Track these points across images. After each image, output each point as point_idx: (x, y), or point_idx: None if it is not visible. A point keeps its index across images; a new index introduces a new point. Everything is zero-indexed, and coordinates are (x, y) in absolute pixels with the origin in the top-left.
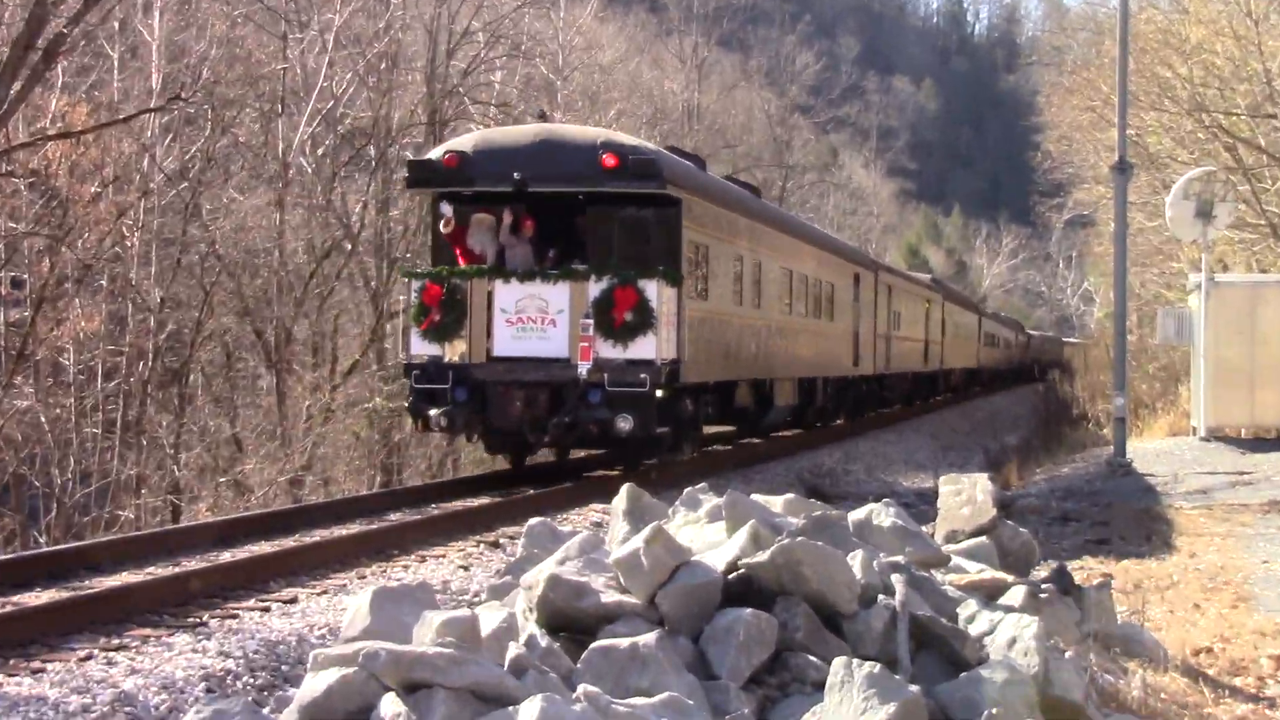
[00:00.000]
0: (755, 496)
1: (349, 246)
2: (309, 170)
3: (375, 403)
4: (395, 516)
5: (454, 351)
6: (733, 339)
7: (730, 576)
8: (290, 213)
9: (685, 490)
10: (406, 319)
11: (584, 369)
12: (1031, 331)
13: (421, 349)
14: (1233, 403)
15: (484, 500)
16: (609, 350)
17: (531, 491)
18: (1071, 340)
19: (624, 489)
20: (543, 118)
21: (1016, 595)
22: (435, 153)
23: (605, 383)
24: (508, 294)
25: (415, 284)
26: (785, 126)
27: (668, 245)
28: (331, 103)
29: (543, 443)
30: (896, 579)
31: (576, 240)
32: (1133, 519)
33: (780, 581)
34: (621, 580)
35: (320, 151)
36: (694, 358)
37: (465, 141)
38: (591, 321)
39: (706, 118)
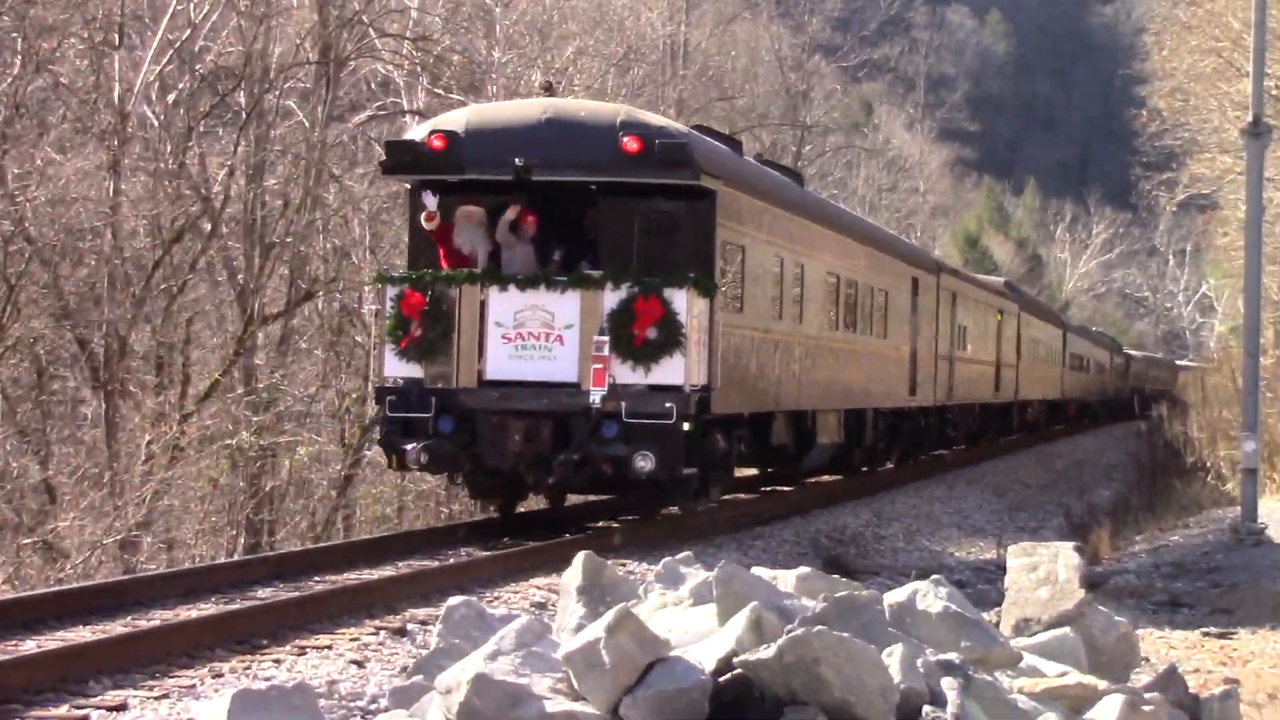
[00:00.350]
0: (757, 570)
1: (208, 227)
2: (155, 123)
3: (241, 438)
4: (265, 593)
5: (438, 373)
6: (770, 362)
7: (723, 678)
8: (129, 180)
9: (663, 561)
10: (379, 333)
11: (597, 396)
12: (1131, 352)
13: (397, 370)
14: None
15: (386, 571)
16: (627, 374)
17: (454, 560)
18: (1187, 363)
19: (579, 559)
20: (548, 90)
21: (1111, 707)
22: (418, 132)
23: (623, 413)
24: (505, 304)
25: (391, 290)
26: (802, 73)
27: (697, 246)
28: (188, 33)
29: (545, 485)
30: (949, 684)
31: (585, 239)
32: (1267, 604)
33: (790, 686)
34: (574, 682)
35: (171, 99)
36: (727, 384)
37: (455, 120)
38: (607, 339)
39: (696, 60)
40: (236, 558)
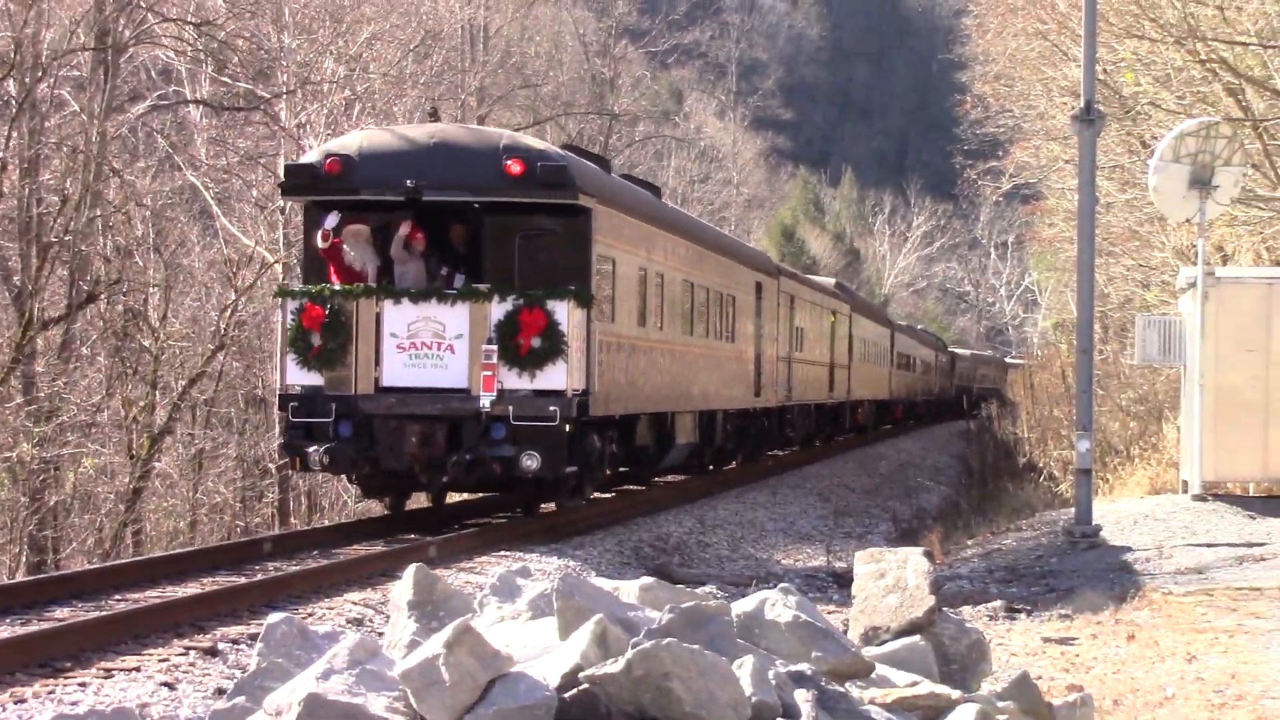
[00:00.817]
0: (598, 580)
1: None
2: None
3: (21, 450)
4: (63, 613)
5: (337, 381)
6: (637, 367)
7: (567, 694)
8: None
9: (498, 574)
10: (282, 344)
11: (486, 401)
12: (958, 350)
13: (298, 378)
14: (1238, 447)
15: (191, 589)
16: (514, 380)
17: (262, 575)
18: (1015, 360)
19: (409, 572)
20: (434, 116)
21: (965, 717)
22: (313, 156)
23: (510, 416)
24: (399, 316)
25: (292, 304)
26: (608, 59)
27: (575, 260)
28: None
29: (439, 484)
30: (802, 696)
31: (458, 254)
32: (1106, 609)
33: (639, 701)
34: (412, 701)
35: None
36: (603, 389)
37: (349, 144)
38: (495, 348)
39: (498, 46)
40: (24, 577)
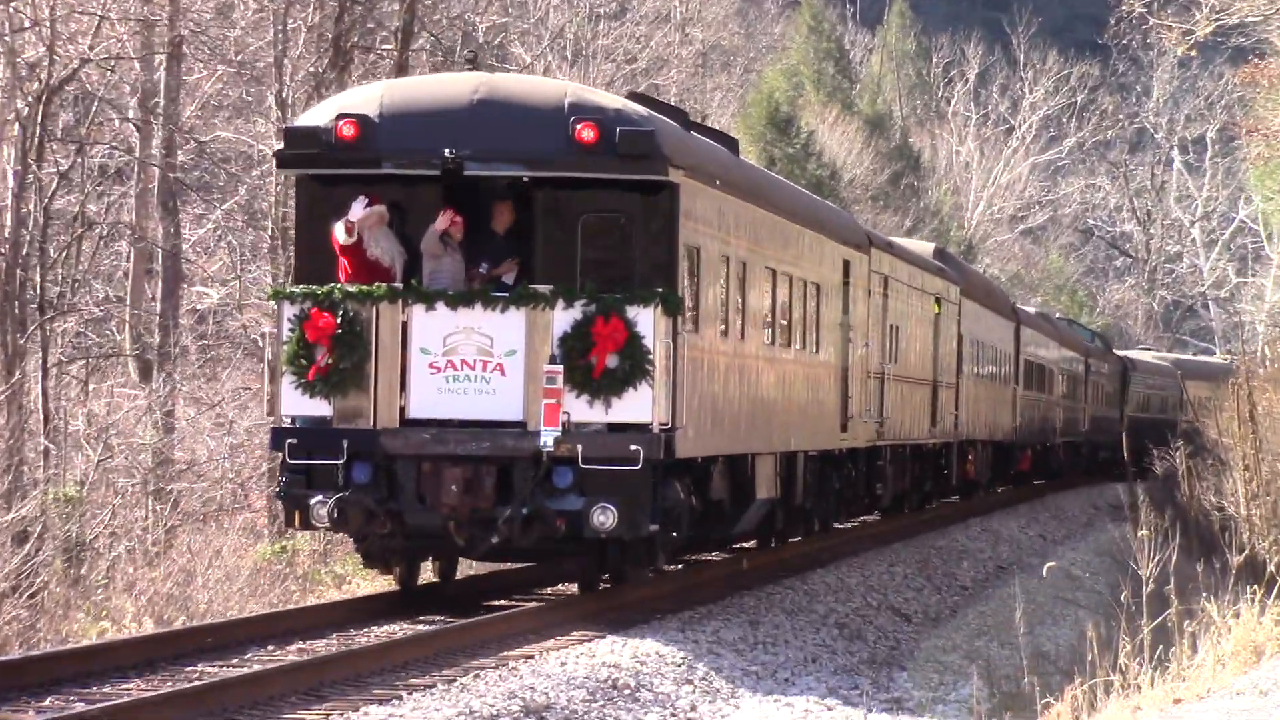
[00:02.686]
0: None
1: None
2: None
3: None
4: None
5: (350, 411)
6: (720, 391)
7: None
8: None
9: None
10: (277, 363)
11: (549, 438)
12: (1136, 354)
13: (299, 407)
14: None
15: None
16: (583, 410)
17: None
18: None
19: None
20: (473, 63)
21: None
22: (319, 115)
23: (579, 458)
24: (433, 326)
25: (291, 309)
26: None
27: (655, 253)
28: None
29: (485, 547)
30: None
31: (498, 243)
32: None
33: None
34: None
35: None
36: (690, 420)
37: (368, 100)
38: (560, 369)
39: None
40: None
